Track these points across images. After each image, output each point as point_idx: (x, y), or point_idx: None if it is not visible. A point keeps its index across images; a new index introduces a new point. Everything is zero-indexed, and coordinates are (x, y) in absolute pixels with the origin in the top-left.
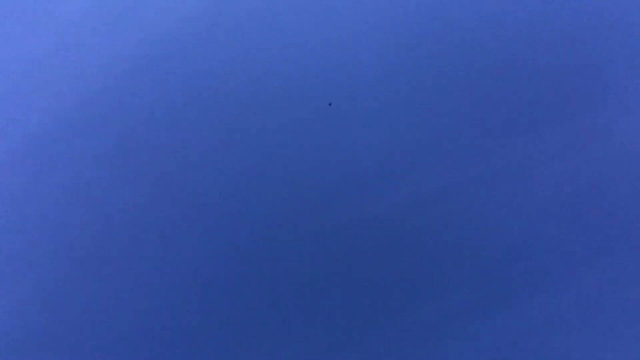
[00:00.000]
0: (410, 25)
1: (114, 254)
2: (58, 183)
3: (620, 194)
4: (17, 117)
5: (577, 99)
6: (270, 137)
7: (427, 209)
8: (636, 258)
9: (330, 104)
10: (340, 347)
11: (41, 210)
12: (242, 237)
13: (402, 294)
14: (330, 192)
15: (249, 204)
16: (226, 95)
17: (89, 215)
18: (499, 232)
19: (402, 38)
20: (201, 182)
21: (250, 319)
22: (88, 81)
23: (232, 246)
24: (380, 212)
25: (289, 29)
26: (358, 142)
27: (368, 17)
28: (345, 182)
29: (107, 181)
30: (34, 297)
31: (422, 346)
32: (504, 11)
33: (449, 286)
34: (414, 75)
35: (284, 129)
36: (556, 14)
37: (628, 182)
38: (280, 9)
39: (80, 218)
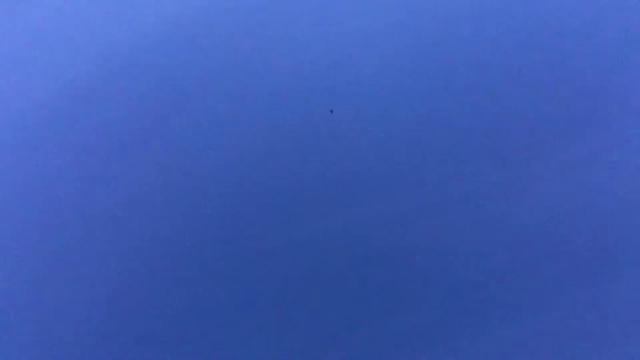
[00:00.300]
0: (415, 36)
1: (99, 249)
2: (43, 172)
3: (618, 212)
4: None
5: (581, 118)
6: (270, 142)
7: (422, 220)
8: (632, 278)
9: (331, 111)
10: (325, 350)
11: (27, 197)
12: (231, 238)
13: (393, 302)
14: (328, 198)
15: (241, 207)
16: (224, 100)
17: (75, 204)
18: (492, 248)
19: (407, 47)
20: (194, 185)
21: (234, 320)
22: (79, 69)
23: (220, 246)
24: (376, 221)
25: (289, 33)
26: (359, 150)
27: (372, 23)
28: (345, 188)
29: (96, 171)
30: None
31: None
32: (509, 25)
33: (442, 297)
34: (417, 85)
35: (284, 135)
36: (560, 37)
37: (626, 200)
38: (280, 14)
39: (66, 206)
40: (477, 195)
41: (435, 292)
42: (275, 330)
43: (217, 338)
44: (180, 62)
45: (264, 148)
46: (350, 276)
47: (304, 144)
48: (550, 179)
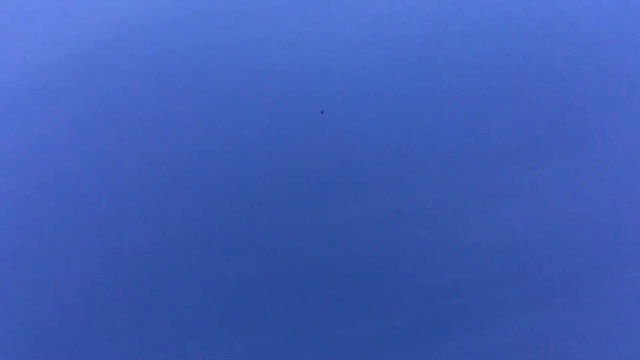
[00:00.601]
0: (408, 43)
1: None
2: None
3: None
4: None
5: (578, 131)
6: (261, 142)
7: (411, 223)
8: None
9: (322, 112)
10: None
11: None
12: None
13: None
14: (316, 199)
15: (225, 205)
16: (217, 99)
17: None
18: (479, 253)
19: (400, 53)
20: (186, 185)
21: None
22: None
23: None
24: (363, 221)
25: (283, 37)
26: (348, 151)
27: (365, 28)
28: (333, 189)
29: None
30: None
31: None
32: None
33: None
34: (408, 90)
35: (275, 135)
36: (561, 51)
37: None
38: (274, 18)
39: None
40: (467, 201)
41: (419, 294)
42: (265, 326)
43: (195, 328)
44: (175, 62)
45: (255, 148)
46: (334, 274)
47: (296, 144)
48: (544, 186)
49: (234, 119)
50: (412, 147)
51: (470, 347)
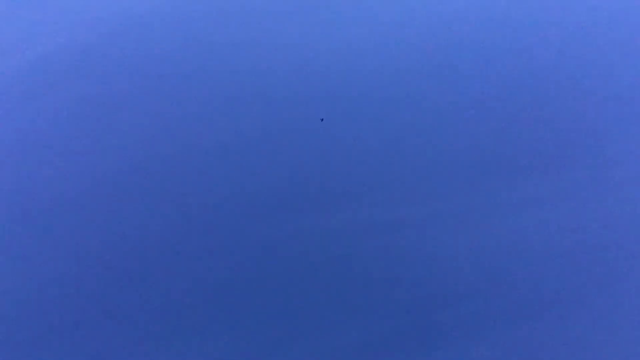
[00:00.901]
0: (408, 50)
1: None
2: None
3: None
4: None
5: (572, 147)
6: (261, 148)
7: (405, 228)
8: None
9: (322, 120)
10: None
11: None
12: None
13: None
14: (317, 200)
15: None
16: (218, 104)
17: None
18: (470, 263)
19: (398, 59)
20: (182, 193)
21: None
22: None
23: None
24: (354, 226)
25: (284, 39)
26: (347, 155)
27: (368, 32)
28: (327, 195)
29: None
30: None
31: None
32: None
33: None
34: (405, 97)
35: (274, 138)
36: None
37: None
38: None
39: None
40: (465, 210)
41: (413, 302)
42: (258, 328)
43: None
44: (174, 63)
45: (251, 150)
46: (332, 277)
47: (293, 148)
48: (543, 198)
49: (231, 121)
50: (412, 155)
51: (465, 354)
